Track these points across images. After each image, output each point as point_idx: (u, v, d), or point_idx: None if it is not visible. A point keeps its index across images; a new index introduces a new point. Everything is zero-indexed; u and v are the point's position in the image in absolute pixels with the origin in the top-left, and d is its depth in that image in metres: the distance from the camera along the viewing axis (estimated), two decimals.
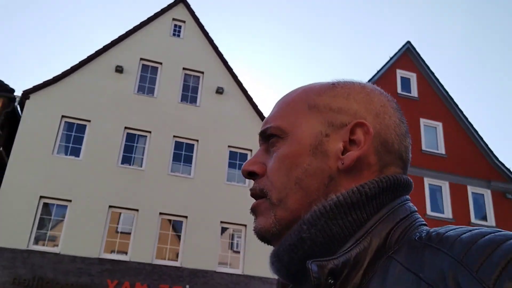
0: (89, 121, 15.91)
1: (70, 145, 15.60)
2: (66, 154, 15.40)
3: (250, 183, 15.38)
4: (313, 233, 0.60)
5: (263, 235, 0.67)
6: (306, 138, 0.67)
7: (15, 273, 13.33)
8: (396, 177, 0.64)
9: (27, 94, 15.48)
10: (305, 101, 0.70)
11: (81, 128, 15.88)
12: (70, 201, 14.66)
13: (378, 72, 20.65)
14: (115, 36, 17.44)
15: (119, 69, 16.77)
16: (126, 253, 14.67)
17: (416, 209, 0.66)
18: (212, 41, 18.57)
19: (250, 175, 0.71)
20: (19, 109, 15.99)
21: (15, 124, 16.41)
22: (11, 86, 15.56)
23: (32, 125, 15.19)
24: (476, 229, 0.53)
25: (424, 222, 0.64)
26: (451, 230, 0.55)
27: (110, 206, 14.93)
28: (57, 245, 14.17)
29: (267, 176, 0.68)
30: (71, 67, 16.32)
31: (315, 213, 0.61)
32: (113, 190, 15.09)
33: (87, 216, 14.53)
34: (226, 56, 18.33)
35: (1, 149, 15.30)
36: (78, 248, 14.10)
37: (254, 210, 0.70)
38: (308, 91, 0.72)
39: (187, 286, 14.54)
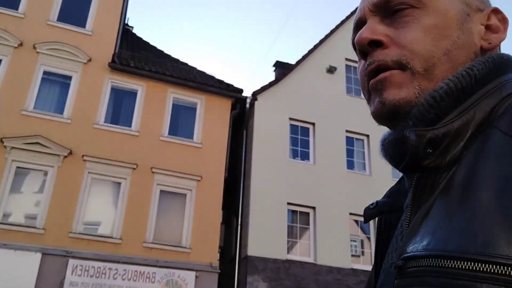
0: (313, 124, 15.25)
1: (299, 148, 14.92)
2: (298, 158, 14.72)
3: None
4: (422, 127, 0.56)
5: (401, 107, 0.60)
6: (451, 12, 0.63)
7: (281, 285, 12.67)
8: (501, 55, 0.62)
9: (255, 95, 14.76)
10: None
11: (306, 131, 15.21)
12: (314, 208, 14.01)
13: None
14: (322, 36, 16.80)
15: (332, 70, 16.11)
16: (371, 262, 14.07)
17: None
18: None
19: (373, 44, 0.63)
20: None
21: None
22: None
23: (264, 128, 14.49)
24: None
25: None
26: None
27: (350, 214, 14.31)
28: (307, 255, 13.52)
29: (402, 46, 0.62)
30: (290, 67, 15.64)
31: (423, 106, 0.57)
32: (349, 196, 14.46)
33: (331, 224, 13.90)
34: None
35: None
36: (330, 257, 13.47)
37: (382, 82, 0.62)
38: None
39: None
